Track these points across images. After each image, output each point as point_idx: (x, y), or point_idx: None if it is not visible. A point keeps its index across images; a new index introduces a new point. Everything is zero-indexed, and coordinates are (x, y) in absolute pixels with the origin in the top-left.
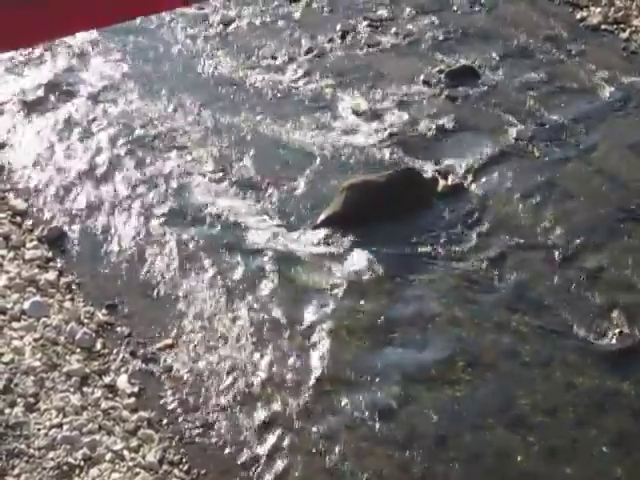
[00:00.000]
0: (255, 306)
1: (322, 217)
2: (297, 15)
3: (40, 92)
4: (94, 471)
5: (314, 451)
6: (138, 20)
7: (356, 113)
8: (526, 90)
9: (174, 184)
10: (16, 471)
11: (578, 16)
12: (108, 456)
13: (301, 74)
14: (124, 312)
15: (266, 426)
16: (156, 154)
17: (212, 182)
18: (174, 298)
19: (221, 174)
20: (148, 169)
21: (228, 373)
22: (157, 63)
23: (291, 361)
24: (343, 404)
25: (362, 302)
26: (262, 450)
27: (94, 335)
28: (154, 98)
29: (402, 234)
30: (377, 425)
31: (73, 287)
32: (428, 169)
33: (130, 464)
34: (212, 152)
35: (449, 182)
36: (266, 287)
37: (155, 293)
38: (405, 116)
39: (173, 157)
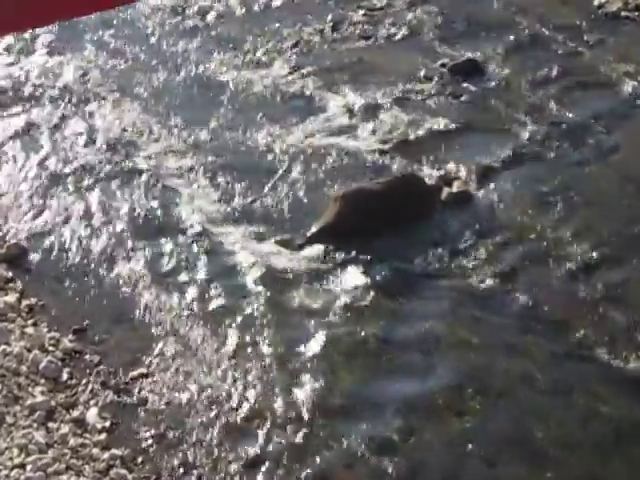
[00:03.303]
0: (239, 331)
1: (312, 230)
2: (283, 3)
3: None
4: None
5: None
6: (111, 12)
7: (349, 113)
8: (539, 85)
9: (148, 195)
10: None
11: (596, 2)
12: None
13: (287, 70)
14: (93, 338)
15: (253, 465)
16: (126, 162)
17: (189, 194)
18: (149, 322)
19: (198, 184)
20: (117, 178)
21: (210, 405)
22: (126, 61)
23: (280, 391)
24: (339, 439)
25: (358, 324)
26: None
27: (60, 364)
28: (125, 103)
29: (402, 248)
30: (377, 462)
31: (36, 310)
32: (430, 175)
33: None
34: (186, 161)
35: (454, 189)
36: (251, 309)
37: (128, 316)
38: (404, 116)
39: (143, 165)
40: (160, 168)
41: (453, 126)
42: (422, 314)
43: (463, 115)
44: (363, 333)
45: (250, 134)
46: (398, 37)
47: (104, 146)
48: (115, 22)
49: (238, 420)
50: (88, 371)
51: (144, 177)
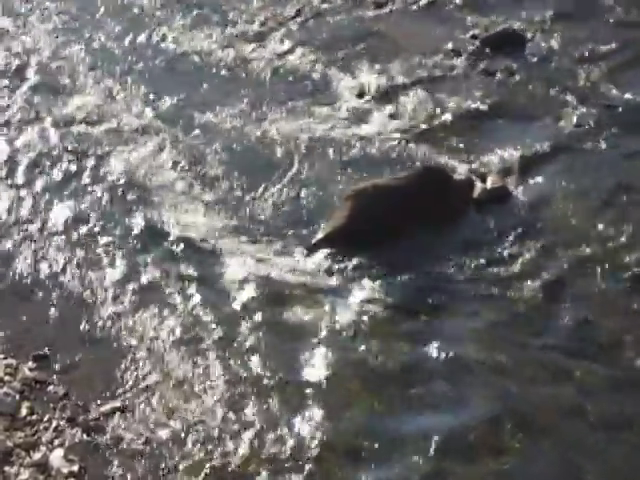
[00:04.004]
0: (233, 356)
1: (319, 236)
2: None
3: None
4: None
5: None
6: None
7: (362, 96)
8: (589, 61)
9: (124, 194)
10: None
11: None
12: None
13: (288, 45)
14: (58, 365)
15: None
16: (97, 155)
17: (173, 192)
18: (124, 346)
19: (184, 181)
20: (86, 175)
21: (198, 445)
22: (100, 35)
23: (282, 428)
24: None
25: (374, 347)
26: None
27: (18, 397)
28: (96, 82)
29: (426, 256)
30: None
31: None
32: (460, 168)
33: None
34: (171, 154)
35: (488, 185)
36: (247, 331)
37: (98, 339)
38: (427, 98)
39: (120, 160)
40: (134, 161)
41: (486, 109)
42: (450, 335)
43: (498, 96)
44: (379, 357)
45: (243, 122)
46: (420, 4)
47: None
48: None
49: (231, 463)
50: (52, 405)
51: (117, 174)
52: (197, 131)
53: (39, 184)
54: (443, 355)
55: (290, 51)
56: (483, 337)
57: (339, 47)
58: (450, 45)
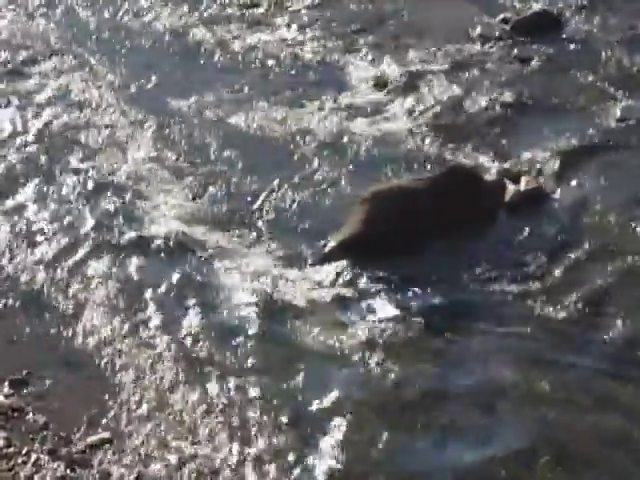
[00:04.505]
0: (234, 380)
1: (332, 244)
2: None
3: None
4: None
5: None
6: None
7: (380, 86)
8: (632, 46)
9: (114, 200)
10: None
11: None
12: None
13: (297, 29)
14: (37, 391)
15: None
16: (80, 154)
17: (168, 196)
18: (112, 370)
19: (180, 182)
20: (72, 176)
21: None
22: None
23: (290, 460)
24: None
25: (393, 370)
26: None
27: None
28: (77, 70)
29: (452, 266)
30: None
31: None
32: (490, 167)
33: None
34: (164, 153)
35: (522, 187)
36: (248, 352)
37: (82, 361)
38: (453, 88)
39: (102, 161)
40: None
41: (519, 101)
42: (480, 355)
43: (532, 86)
44: (399, 381)
45: (248, 116)
46: None
47: None
48: None
49: None
50: (31, 436)
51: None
52: (193, 126)
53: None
54: (470, 378)
55: (299, 35)
56: (515, 358)
57: (354, 31)
58: (478, 30)
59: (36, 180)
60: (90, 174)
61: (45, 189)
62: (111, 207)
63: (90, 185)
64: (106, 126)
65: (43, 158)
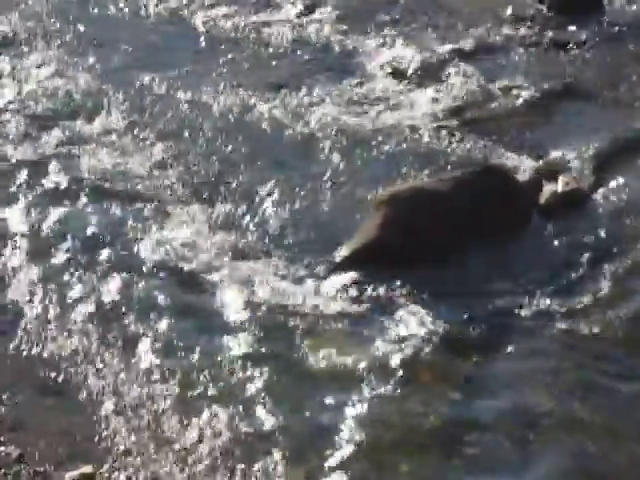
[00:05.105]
0: (233, 407)
1: (344, 253)
2: None
3: None
4: None
5: None
6: None
7: (398, 72)
8: None
9: (102, 203)
10: None
11: None
12: None
13: (302, 10)
14: (10, 420)
15: None
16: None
17: (159, 201)
18: (96, 394)
19: (176, 182)
20: (62, 172)
21: None
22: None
23: None
24: None
25: (415, 394)
26: None
27: None
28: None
29: (480, 278)
30: None
31: None
32: (524, 166)
33: None
34: (153, 151)
35: (560, 187)
36: (251, 375)
37: (61, 386)
38: (480, 77)
39: (92, 163)
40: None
41: (556, 91)
42: (512, 378)
43: (571, 75)
44: (422, 408)
45: (250, 106)
46: None
47: None
48: None
49: None
50: (3, 471)
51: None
52: (191, 119)
53: None
54: (500, 405)
55: (305, 20)
56: (551, 382)
57: (369, 11)
58: (510, 9)
59: None
60: None
61: None
62: (114, 214)
63: None
64: None
65: None
